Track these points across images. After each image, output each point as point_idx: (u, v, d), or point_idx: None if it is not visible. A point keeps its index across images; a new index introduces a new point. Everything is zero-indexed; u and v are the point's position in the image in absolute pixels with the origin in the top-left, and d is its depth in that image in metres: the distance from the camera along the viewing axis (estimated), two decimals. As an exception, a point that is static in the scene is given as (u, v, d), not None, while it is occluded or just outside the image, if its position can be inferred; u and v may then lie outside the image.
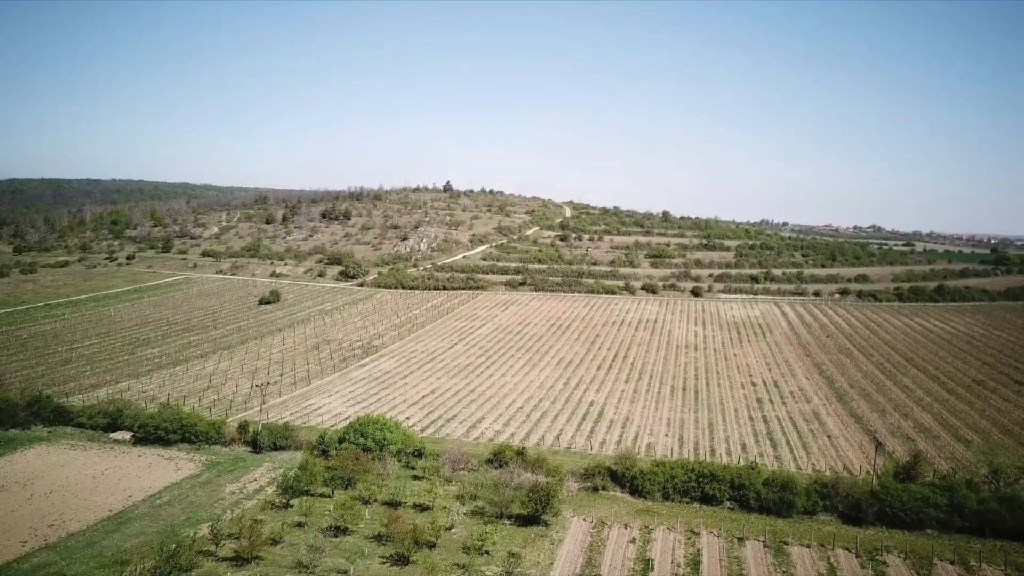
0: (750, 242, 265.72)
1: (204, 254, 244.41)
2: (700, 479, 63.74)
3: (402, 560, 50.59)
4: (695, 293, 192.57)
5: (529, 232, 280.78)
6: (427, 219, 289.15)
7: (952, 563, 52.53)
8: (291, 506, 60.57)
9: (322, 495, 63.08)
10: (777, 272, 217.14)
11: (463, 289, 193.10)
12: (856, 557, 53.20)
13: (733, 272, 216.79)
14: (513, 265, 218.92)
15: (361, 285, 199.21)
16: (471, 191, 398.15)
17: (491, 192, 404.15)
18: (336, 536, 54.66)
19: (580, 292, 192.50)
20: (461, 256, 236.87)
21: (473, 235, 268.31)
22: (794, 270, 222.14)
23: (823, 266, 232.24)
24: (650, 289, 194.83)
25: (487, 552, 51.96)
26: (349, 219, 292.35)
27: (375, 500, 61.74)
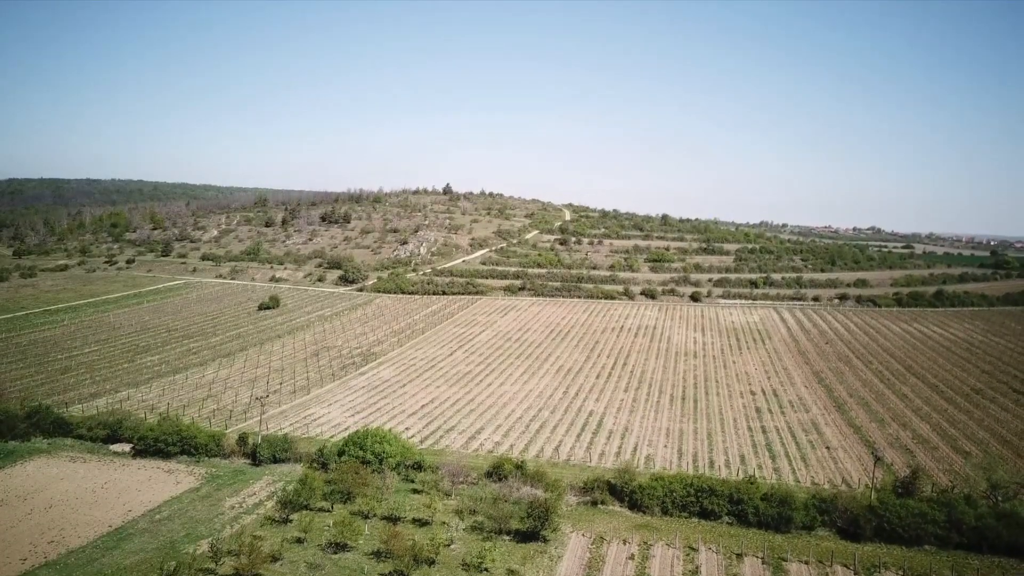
0: (749, 246, 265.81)
1: (204, 258, 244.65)
2: (699, 494, 63.80)
3: (401, 578, 50.69)
4: (694, 298, 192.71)
5: (529, 236, 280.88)
6: (426, 223, 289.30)
7: (950, 580, 52.73)
8: (290, 521, 60.65)
9: (321, 509, 63.17)
10: (776, 277, 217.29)
11: (462, 294, 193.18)
12: (854, 574, 53.32)
13: (732, 277, 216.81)
14: (513, 270, 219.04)
15: (361, 290, 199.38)
16: (471, 193, 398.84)
17: (491, 195, 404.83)
18: (335, 553, 54.73)
19: (579, 297, 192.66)
20: (461, 260, 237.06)
21: (473, 239, 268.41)
22: (793, 275, 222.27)
23: (822, 270, 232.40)
24: (649, 294, 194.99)
25: (486, 569, 52.08)
26: (348, 222, 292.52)
27: (374, 515, 61.81)
